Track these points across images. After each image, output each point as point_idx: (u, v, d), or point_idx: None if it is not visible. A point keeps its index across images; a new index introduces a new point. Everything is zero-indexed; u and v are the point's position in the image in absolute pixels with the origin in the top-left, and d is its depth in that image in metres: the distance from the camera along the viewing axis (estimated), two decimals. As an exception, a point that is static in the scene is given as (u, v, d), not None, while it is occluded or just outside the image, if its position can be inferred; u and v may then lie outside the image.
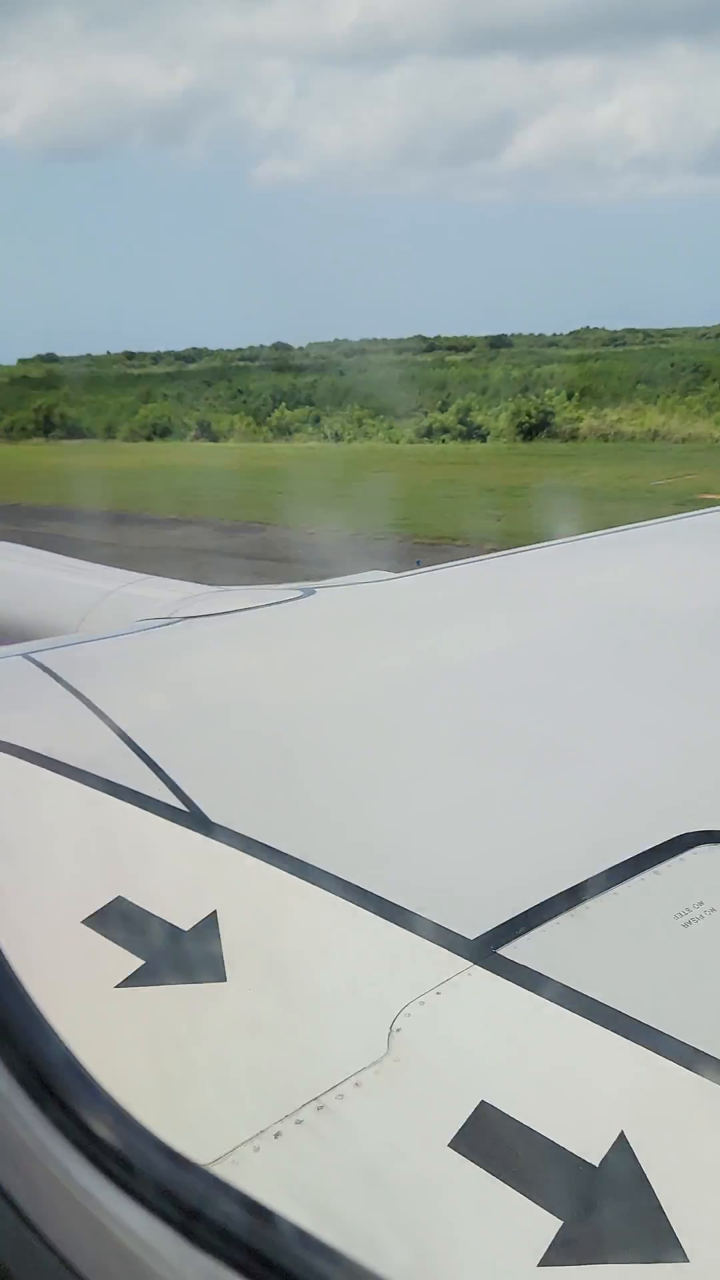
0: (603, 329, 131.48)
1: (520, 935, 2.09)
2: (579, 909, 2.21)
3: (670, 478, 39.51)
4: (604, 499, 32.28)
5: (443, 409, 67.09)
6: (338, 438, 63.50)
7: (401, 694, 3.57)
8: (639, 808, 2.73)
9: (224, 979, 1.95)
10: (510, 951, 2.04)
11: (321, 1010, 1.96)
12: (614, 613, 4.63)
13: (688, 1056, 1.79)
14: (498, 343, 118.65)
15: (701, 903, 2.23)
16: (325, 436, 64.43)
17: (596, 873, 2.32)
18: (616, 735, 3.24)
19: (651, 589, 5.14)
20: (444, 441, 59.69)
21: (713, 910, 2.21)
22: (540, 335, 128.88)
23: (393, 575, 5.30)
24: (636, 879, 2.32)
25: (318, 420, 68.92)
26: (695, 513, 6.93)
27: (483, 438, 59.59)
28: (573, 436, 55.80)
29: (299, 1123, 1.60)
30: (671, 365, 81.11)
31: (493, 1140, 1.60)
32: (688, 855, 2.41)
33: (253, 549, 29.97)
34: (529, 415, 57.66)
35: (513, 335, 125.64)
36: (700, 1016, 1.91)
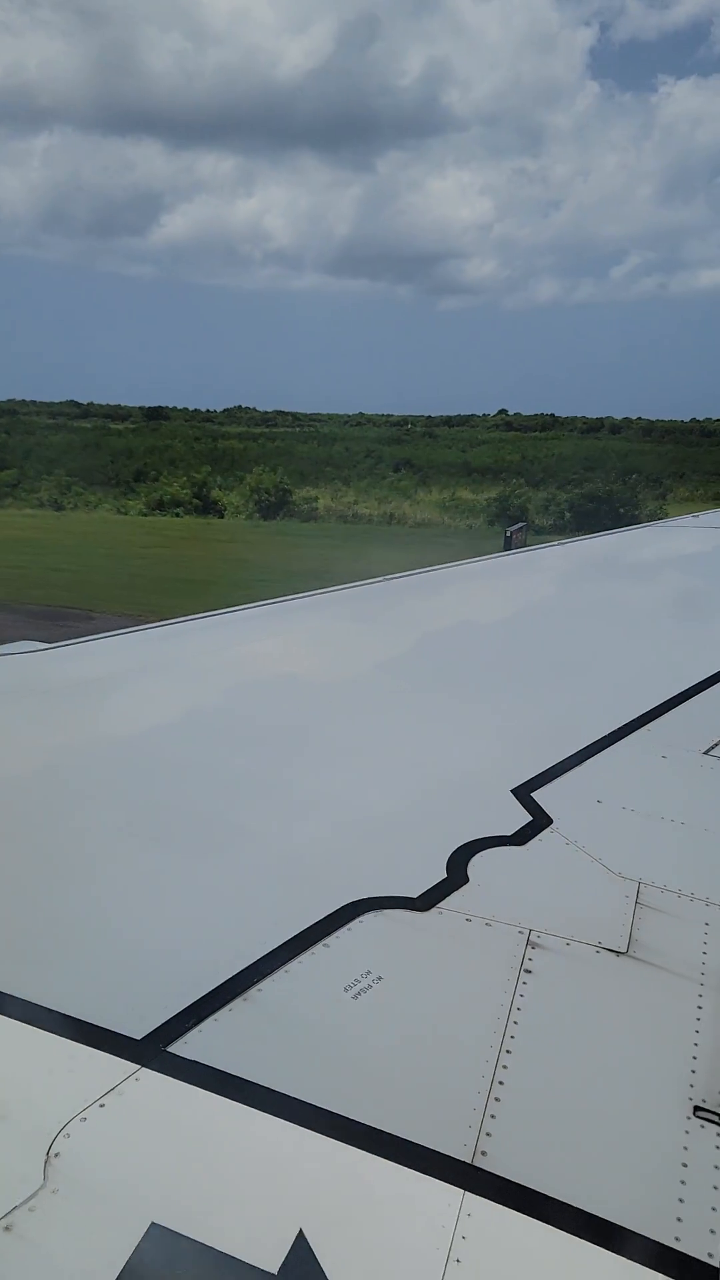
0: (254, 409, 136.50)
1: (190, 1029, 2.01)
2: (251, 992, 2.16)
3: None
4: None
5: (140, 479, 65.02)
6: (58, 506, 58.62)
7: (46, 779, 3.40)
8: (305, 880, 2.70)
9: None
10: (181, 1048, 1.95)
11: None
12: (271, 684, 4.74)
13: (361, 1136, 1.79)
14: (155, 414, 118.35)
15: (369, 971, 2.27)
16: (41, 504, 59.16)
17: (267, 952, 2.29)
18: (278, 808, 3.23)
19: (305, 659, 5.30)
20: (178, 515, 57.74)
21: (380, 979, 2.26)
22: (197, 410, 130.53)
23: (45, 646, 5.30)
24: (307, 954, 2.32)
25: (15, 484, 63.15)
26: (361, 583, 7.13)
27: (220, 513, 58.66)
28: (312, 516, 56.94)
29: None
30: (347, 450, 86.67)
31: (165, 1266, 1.52)
32: (355, 924, 2.45)
33: None
34: (268, 493, 57.91)
35: (169, 408, 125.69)
36: (374, 1092, 1.91)
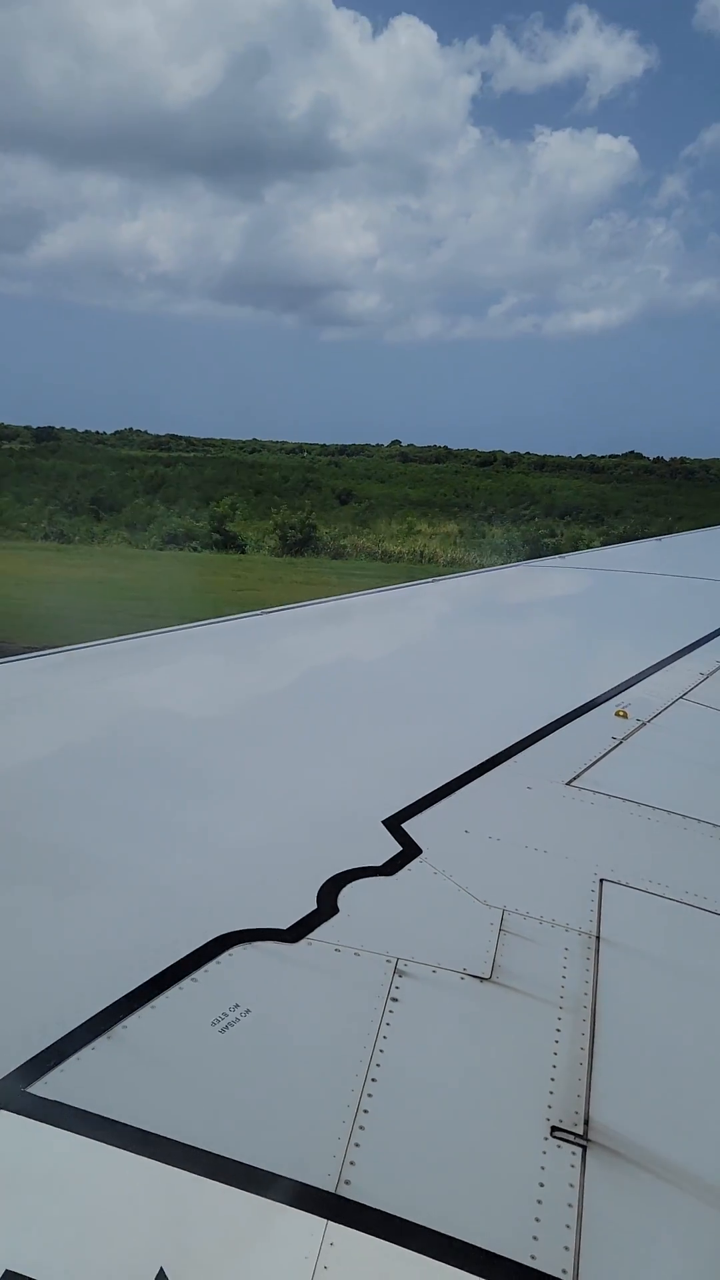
0: (146, 432, 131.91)
1: (52, 1069, 1.98)
2: (116, 1030, 2.14)
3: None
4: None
5: (101, 507, 61.24)
6: (62, 538, 54.07)
7: None
8: (173, 914, 2.70)
9: None
10: (41, 1089, 1.93)
11: None
12: (138, 716, 4.78)
13: (223, 1170, 1.80)
14: (45, 434, 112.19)
15: (237, 1005, 2.28)
16: (47, 536, 54.34)
17: (133, 988, 2.27)
18: (146, 841, 3.22)
19: (174, 692, 5.32)
20: (195, 550, 54.75)
21: (248, 1012, 2.27)
22: (88, 432, 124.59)
23: None
24: (175, 989, 2.30)
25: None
26: (229, 618, 7.17)
27: (241, 548, 56.15)
28: (340, 554, 55.68)
29: None
30: (285, 478, 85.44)
31: None
32: (224, 957, 2.45)
33: None
34: (294, 529, 56.08)
35: (59, 429, 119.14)
36: (239, 1125, 1.93)
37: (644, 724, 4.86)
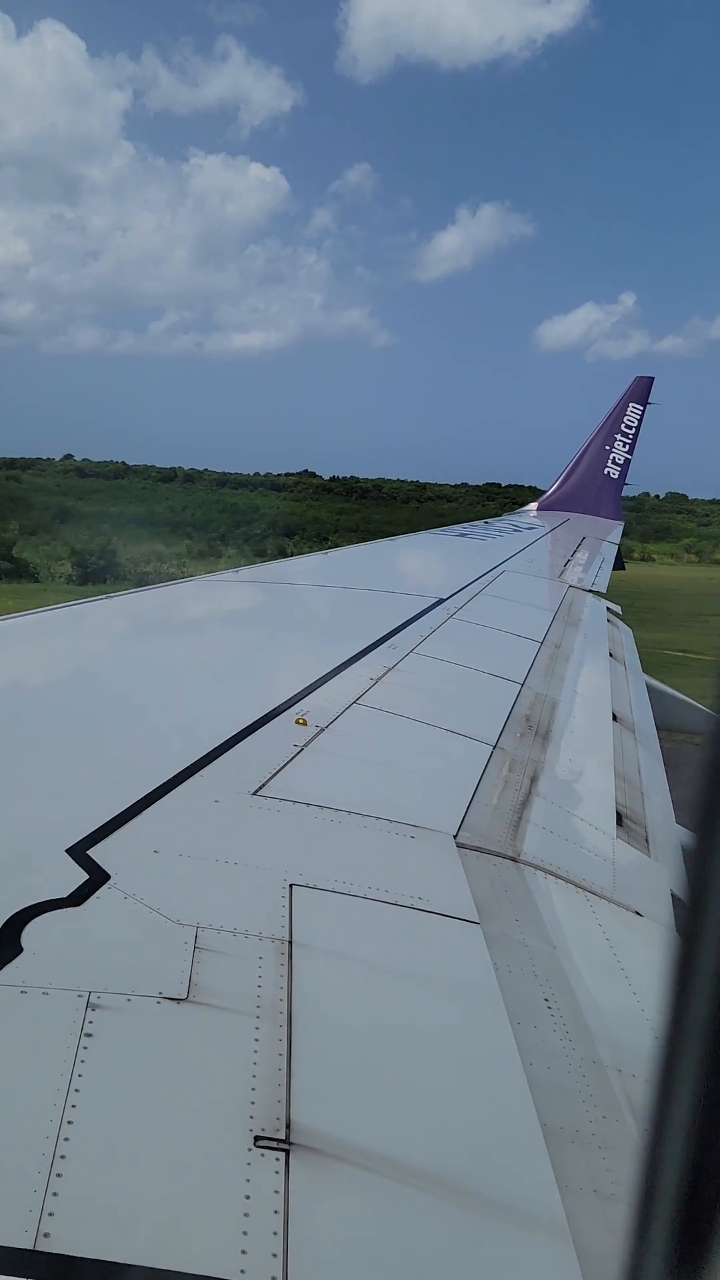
0: None
1: None
2: None
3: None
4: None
5: None
6: None
7: None
8: None
9: None
10: None
11: None
12: None
13: None
14: None
15: None
16: None
17: None
18: None
19: None
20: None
21: None
22: None
23: None
24: None
25: None
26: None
27: (35, 576, 53.09)
28: (144, 580, 54.19)
29: None
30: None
31: None
32: None
33: None
34: (94, 555, 53.92)
35: None
36: None
37: (322, 730, 5.01)
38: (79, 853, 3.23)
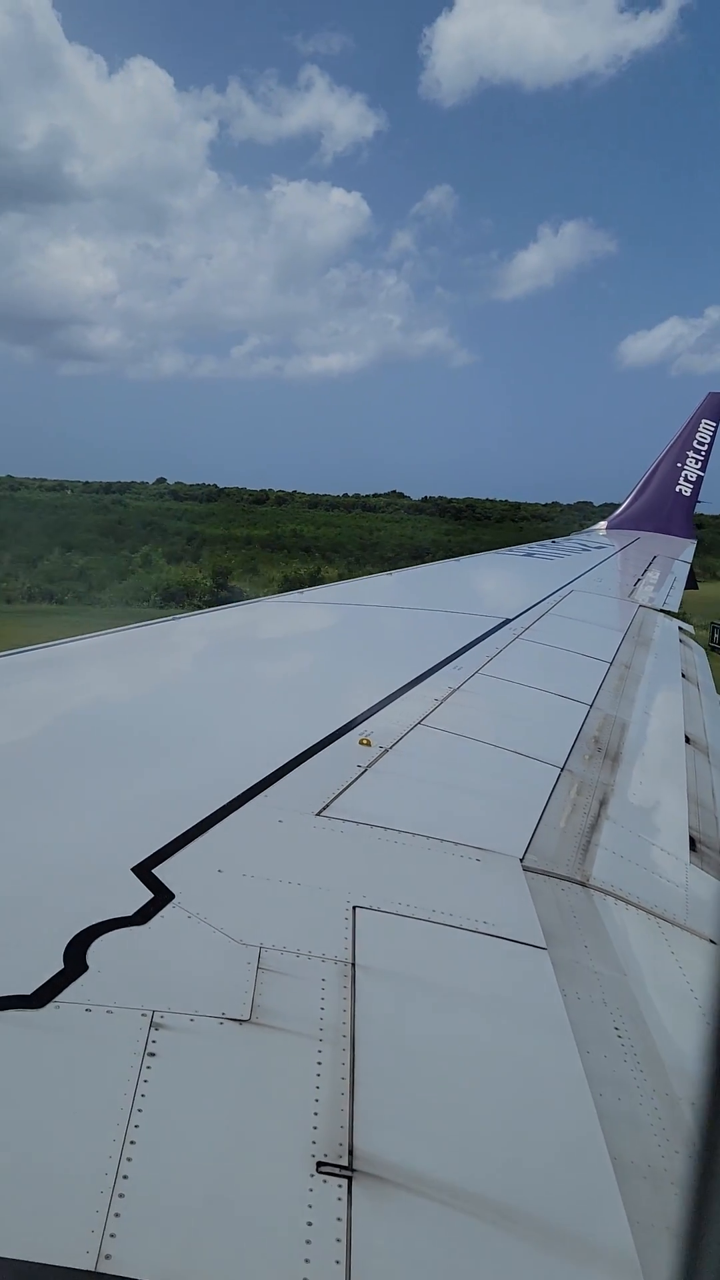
0: None
1: None
2: None
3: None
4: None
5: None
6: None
7: None
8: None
9: None
10: None
11: None
12: None
13: None
14: None
15: None
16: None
17: None
18: None
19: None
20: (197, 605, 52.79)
21: None
22: None
23: None
24: None
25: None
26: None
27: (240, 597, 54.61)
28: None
29: None
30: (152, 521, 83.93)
31: None
32: None
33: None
34: (300, 579, 54.25)
35: None
36: None
37: (386, 751, 5.00)
38: (144, 871, 3.25)
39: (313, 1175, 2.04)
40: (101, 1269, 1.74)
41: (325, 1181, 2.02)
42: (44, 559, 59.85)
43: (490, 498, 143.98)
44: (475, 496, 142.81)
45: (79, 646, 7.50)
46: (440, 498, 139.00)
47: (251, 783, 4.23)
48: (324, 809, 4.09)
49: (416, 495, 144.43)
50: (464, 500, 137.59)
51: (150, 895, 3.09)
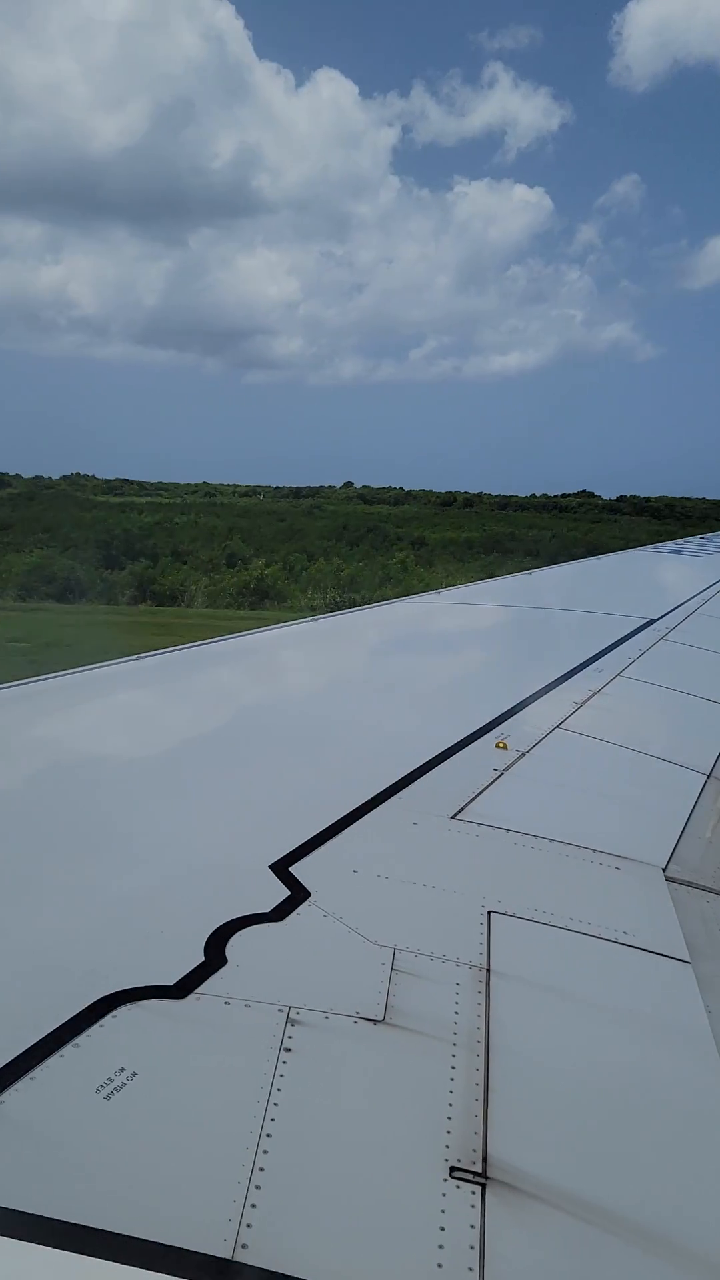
0: (94, 476, 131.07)
1: None
2: None
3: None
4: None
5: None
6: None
7: None
8: (52, 976, 2.59)
9: None
10: None
11: None
12: (9, 767, 4.54)
13: (109, 1246, 1.74)
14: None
15: (123, 1069, 2.20)
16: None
17: (9, 1060, 2.19)
18: (20, 900, 3.06)
19: (47, 742, 5.11)
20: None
21: (135, 1075, 2.19)
22: (37, 477, 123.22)
23: None
24: (55, 1057, 2.22)
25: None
26: (112, 662, 6.92)
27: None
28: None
29: None
30: (345, 526, 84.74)
31: None
32: (108, 1020, 2.38)
33: None
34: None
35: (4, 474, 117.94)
36: (126, 1197, 1.85)
37: (523, 754, 4.95)
38: (281, 869, 3.32)
39: (445, 1180, 2.04)
40: (239, 1258, 1.76)
41: (459, 1187, 2.02)
42: (309, 567, 61.15)
43: (686, 495, 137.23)
44: (670, 495, 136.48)
45: (214, 649, 7.62)
46: (635, 496, 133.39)
47: (387, 784, 4.26)
48: (459, 812, 4.08)
49: (607, 494, 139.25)
50: (660, 499, 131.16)
51: (287, 893, 3.14)
